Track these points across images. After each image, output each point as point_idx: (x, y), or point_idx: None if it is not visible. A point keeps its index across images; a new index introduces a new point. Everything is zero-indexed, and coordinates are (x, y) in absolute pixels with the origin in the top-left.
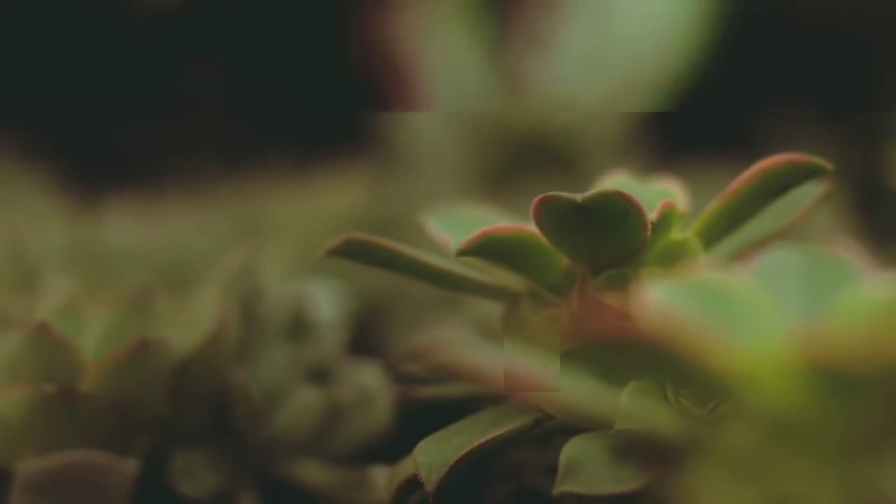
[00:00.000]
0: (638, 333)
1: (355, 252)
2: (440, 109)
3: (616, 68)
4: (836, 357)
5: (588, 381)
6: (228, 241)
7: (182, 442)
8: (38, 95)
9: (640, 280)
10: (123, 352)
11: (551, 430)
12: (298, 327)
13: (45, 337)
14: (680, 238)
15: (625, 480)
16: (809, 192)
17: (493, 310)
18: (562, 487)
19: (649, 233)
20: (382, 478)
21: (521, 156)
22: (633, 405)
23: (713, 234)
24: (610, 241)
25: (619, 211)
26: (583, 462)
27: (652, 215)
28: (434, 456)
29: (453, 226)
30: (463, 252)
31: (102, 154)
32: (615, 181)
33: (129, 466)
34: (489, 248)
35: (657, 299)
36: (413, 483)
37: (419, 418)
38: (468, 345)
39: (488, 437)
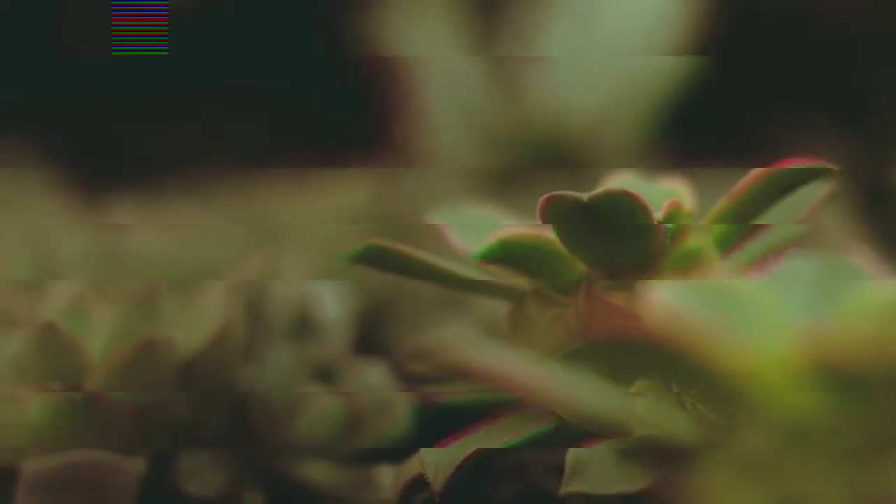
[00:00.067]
0: (644, 333)
1: (374, 258)
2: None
3: (607, 71)
4: (844, 358)
5: (593, 380)
6: (235, 241)
7: (188, 441)
8: (46, 97)
9: (646, 279)
10: (130, 351)
11: (568, 436)
12: (304, 326)
13: (51, 336)
14: (695, 245)
15: (631, 480)
16: (815, 193)
17: (498, 309)
18: (568, 487)
19: (664, 237)
20: (388, 477)
21: (528, 155)
22: (650, 410)
23: (729, 241)
24: (619, 242)
25: (626, 210)
26: (589, 462)
27: (658, 214)
28: (440, 456)
29: (461, 226)
30: (483, 258)
31: (110, 156)
32: (621, 180)
33: (136, 466)
34: (506, 254)
35: (665, 299)
36: (419, 483)
37: (428, 419)
38: (475, 344)
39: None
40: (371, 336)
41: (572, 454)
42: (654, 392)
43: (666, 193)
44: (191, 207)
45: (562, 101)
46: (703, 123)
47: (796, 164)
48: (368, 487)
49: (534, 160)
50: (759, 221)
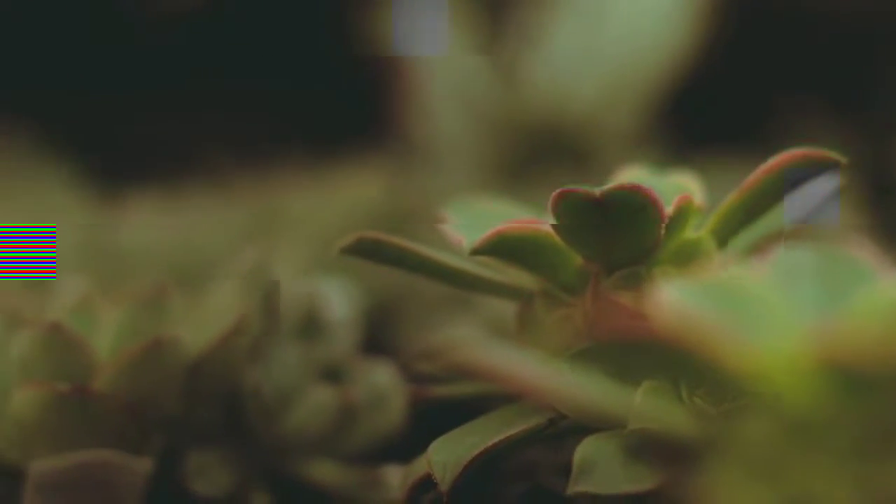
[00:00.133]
0: (652, 333)
1: (368, 250)
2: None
3: (611, 63)
4: (851, 356)
5: (601, 380)
6: (245, 236)
7: (196, 441)
8: (58, 91)
9: (654, 279)
10: (137, 351)
11: (565, 429)
12: (311, 326)
13: (58, 336)
14: (694, 237)
15: (639, 480)
16: (823, 187)
17: (505, 309)
18: (576, 487)
19: (664, 230)
20: (396, 477)
21: (535, 150)
22: (647, 404)
23: (728, 231)
24: (625, 236)
25: (637, 205)
26: (597, 461)
27: (668, 209)
28: (448, 455)
29: (471, 220)
30: (476, 251)
31: (121, 150)
32: (632, 175)
33: (143, 465)
34: (502, 248)
35: (672, 299)
36: (427, 482)
37: (432, 417)
38: (483, 344)
39: (502, 436)
40: (378, 335)
41: (580, 454)
42: (657, 389)
43: (676, 188)
44: (202, 202)
45: (562, 89)
46: (705, 112)
47: (805, 156)
48: (376, 487)
49: (534, 148)
50: (769, 216)
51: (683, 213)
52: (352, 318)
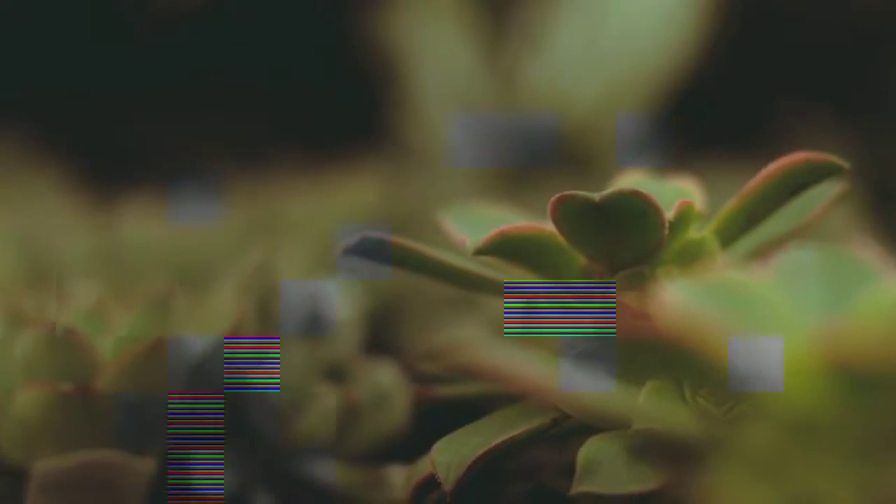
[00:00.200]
0: (656, 333)
1: (372, 251)
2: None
3: (613, 65)
4: (855, 356)
5: (609, 383)
6: (245, 239)
7: (199, 441)
8: (54, 94)
9: (657, 279)
10: (140, 351)
11: (569, 429)
12: (314, 326)
13: (61, 336)
14: (697, 237)
15: (642, 480)
16: (826, 191)
17: None
18: (579, 487)
19: (666, 231)
20: (399, 477)
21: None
22: (651, 404)
23: (730, 233)
24: (627, 240)
25: (637, 210)
26: (600, 462)
27: (669, 214)
28: (452, 455)
29: (470, 225)
30: (480, 251)
31: (118, 153)
32: (632, 180)
33: (146, 466)
34: (506, 248)
35: (675, 298)
36: (431, 482)
37: (436, 418)
38: (486, 344)
39: (506, 436)
40: (381, 336)
41: (583, 454)
42: (661, 389)
43: (676, 193)
44: (202, 206)
45: (562, 93)
46: (705, 115)
47: (807, 159)
48: (379, 487)
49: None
50: (771, 220)
51: (684, 217)
52: (355, 318)
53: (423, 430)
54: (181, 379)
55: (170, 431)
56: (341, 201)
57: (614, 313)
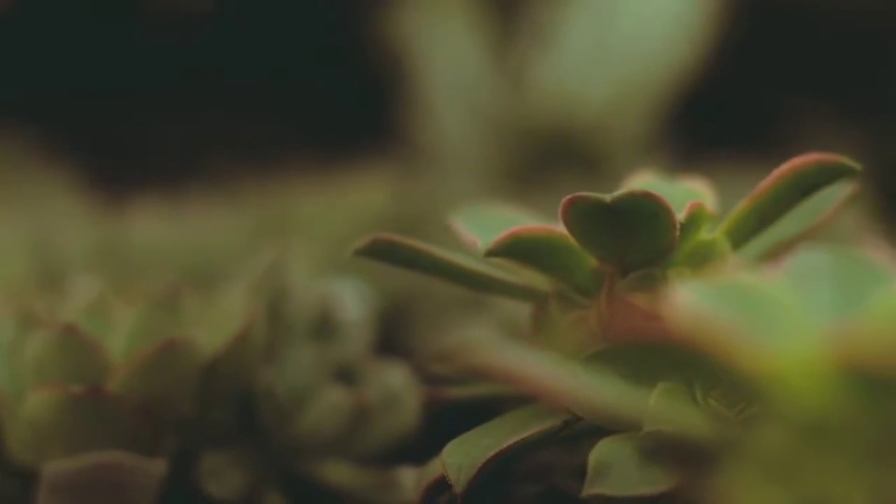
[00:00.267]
0: (667, 334)
1: (382, 252)
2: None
3: (622, 65)
4: (866, 358)
5: (616, 382)
6: (254, 240)
7: (209, 442)
8: (64, 94)
9: (668, 281)
10: (151, 352)
11: (580, 431)
12: (325, 327)
13: (71, 337)
14: (708, 238)
15: (654, 482)
16: (837, 193)
17: (519, 310)
18: (591, 489)
19: (678, 233)
20: (410, 479)
21: (543, 153)
22: (662, 406)
23: (742, 234)
24: (638, 241)
25: (648, 211)
26: (612, 464)
27: (680, 215)
28: (462, 457)
29: (481, 226)
30: (491, 253)
31: (128, 153)
32: (643, 181)
33: (157, 467)
34: (517, 249)
35: (688, 301)
36: (441, 484)
37: (447, 419)
38: (497, 346)
39: (517, 438)
40: (392, 337)
41: (595, 456)
42: (672, 390)
43: (687, 194)
44: (210, 205)
45: (571, 93)
46: (714, 116)
47: (819, 161)
48: (389, 488)
49: (543, 153)
50: (782, 222)
51: (695, 219)
52: (365, 319)
53: (434, 431)
54: (192, 380)
55: (180, 432)
56: (351, 201)
57: (625, 315)
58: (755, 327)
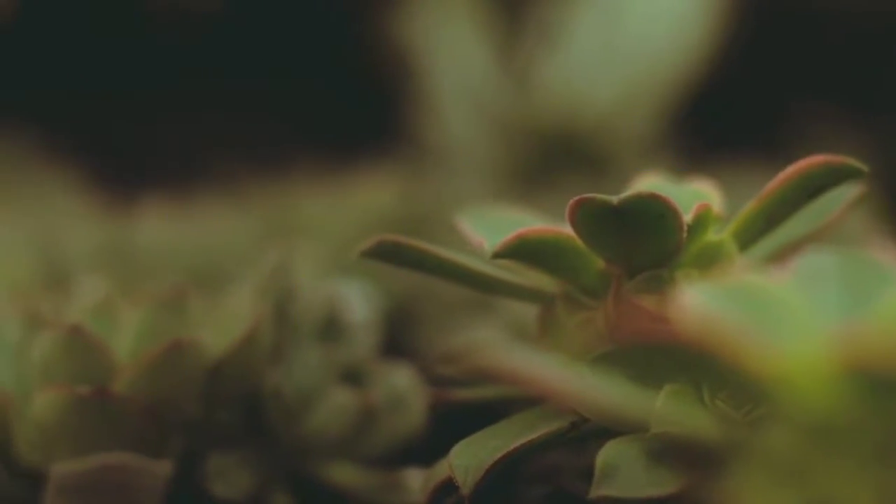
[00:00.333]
0: (675, 336)
1: (389, 253)
2: (455, 106)
3: (629, 65)
4: (874, 360)
5: (623, 383)
6: (260, 240)
7: (216, 443)
8: (66, 94)
9: (675, 282)
10: (157, 353)
11: (587, 433)
12: (331, 328)
13: (78, 338)
14: (715, 239)
15: (661, 484)
16: (844, 194)
17: (525, 312)
18: (598, 491)
19: (685, 234)
20: (417, 480)
21: (549, 154)
22: (670, 408)
23: (749, 236)
24: (645, 242)
25: (655, 213)
26: (619, 465)
27: (687, 217)
28: (470, 459)
29: (487, 227)
30: (497, 254)
31: (134, 154)
32: (650, 182)
33: (163, 468)
34: (524, 250)
35: (695, 302)
36: (448, 486)
37: (453, 421)
38: (504, 347)
39: (524, 440)
40: (398, 338)
41: (602, 458)
42: (679, 392)
43: (694, 195)
44: (216, 206)
45: (577, 93)
46: (720, 116)
47: (826, 162)
48: (396, 490)
49: (559, 157)
50: (789, 223)
51: (702, 220)
52: (372, 320)
53: (441, 433)
54: (199, 381)
55: (187, 433)
56: (357, 202)
57: (632, 316)
58: (762, 329)
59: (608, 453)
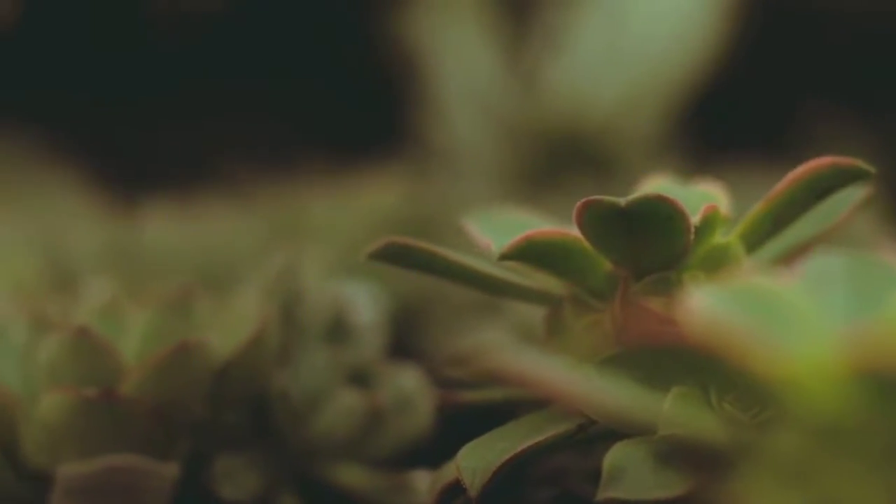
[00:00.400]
0: (682, 338)
1: (396, 255)
2: (461, 108)
3: (634, 66)
4: (882, 362)
5: (631, 386)
6: (267, 242)
7: (223, 445)
8: (76, 96)
9: (683, 284)
10: (164, 354)
11: (594, 435)
12: (338, 330)
13: (85, 340)
14: (723, 242)
15: (669, 486)
16: (852, 196)
17: (533, 314)
18: (605, 493)
19: (692, 236)
20: (424, 482)
21: (555, 156)
22: (677, 410)
23: (756, 238)
24: (653, 244)
25: (663, 215)
26: (626, 468)
27: (695, 219)
28: (477, 461)
29: (494, 229)
30: (505, 256)
31: (140, 155)
32: (657, 184)
33: (170, 470)
34: (531, 252)
35: (702, 304)
36: (456, 488)
37: (461, 423)
38: (512, 349)
39: (531, 442)
40: (405, 340)
41: (609, 460)
42: (687, 394)
43: (702, 197)
44: (222, 208)
45: (582, 95)
46: (726, 117)
47: (834, 164)
48: (403, 492)
49: (554, 155)
50: (796, 225)
51: (710, 222)
52: (379, 322)
53: (448, 435)
54: (206, 382)
55: (194, 435)
56: (363, 203)
57: (640, 319)
58: (770, 331)
59: (615, 455)
